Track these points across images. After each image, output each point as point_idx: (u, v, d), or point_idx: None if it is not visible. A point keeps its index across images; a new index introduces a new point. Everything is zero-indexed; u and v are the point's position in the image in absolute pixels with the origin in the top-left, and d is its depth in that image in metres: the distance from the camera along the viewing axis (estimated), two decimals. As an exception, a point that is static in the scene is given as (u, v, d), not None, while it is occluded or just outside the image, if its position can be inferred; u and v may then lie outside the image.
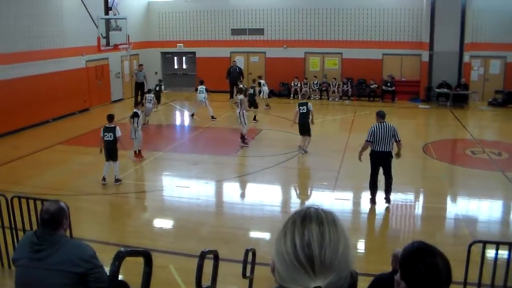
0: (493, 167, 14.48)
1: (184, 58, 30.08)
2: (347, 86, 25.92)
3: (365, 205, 12.02)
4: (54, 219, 3.71)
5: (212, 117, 21.21)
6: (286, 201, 12.48)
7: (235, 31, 27.93)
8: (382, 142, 10.95)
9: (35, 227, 6.73)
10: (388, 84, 25.14)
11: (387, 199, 11.39)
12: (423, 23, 24.76)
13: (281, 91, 26.89)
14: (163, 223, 11.22)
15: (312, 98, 26.18)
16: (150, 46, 29.15)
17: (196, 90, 22.25)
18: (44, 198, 6.99)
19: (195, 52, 28.92)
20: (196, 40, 28.69)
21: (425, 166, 15.20)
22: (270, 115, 21.35)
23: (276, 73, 26.16)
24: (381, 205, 11.54)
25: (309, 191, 12.93)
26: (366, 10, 25.71)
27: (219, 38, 28.26)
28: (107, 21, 22.79)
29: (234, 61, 27.02)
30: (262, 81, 23.79)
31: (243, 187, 13.44)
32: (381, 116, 11.28)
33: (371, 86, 25.59)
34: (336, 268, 1.37)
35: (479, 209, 11.79)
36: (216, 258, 5.44)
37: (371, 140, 10.99)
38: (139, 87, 24.74)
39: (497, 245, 6.58)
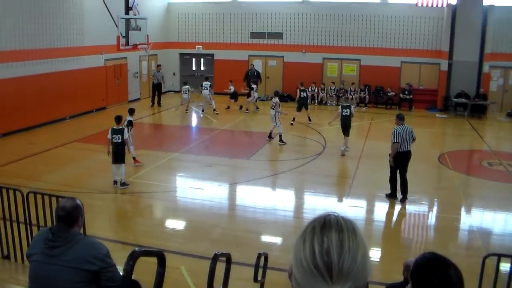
0: (509, 179, 14.33)
1: (202, 60, 30.18)
2: (364, 93, 25.82)
3: (378, 213, 12.00)
4: (70, 216, 3.74)
5: (214, 110, 22.63)
6: (299, 206, 12.45)
7: (254, 35, 27.96)
8: (405, 142, 11.60)
9: (49, 223, 6.78)
10: (406, 92, 25.00)
11: (405, 197, 11.89)
12: (443, 32, 24.61)
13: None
14: (175, 224, 11.25)
15: (329, 104, 26.16)
16: (168, 47, 29.28)
17: (201, 86, 22.91)
18: (59, 195, 7.04)
19: (213, 54, 28.98)
20: (214, 42, 28.77)
21: (441, 176, 15.09)
22: (287, 120, 21.29)
23: (293, 78, 26.10)
24: (395, 212, 11.49)
25: (322, 197, 12.87)
26: (385, 17, 25.61)
27: (237, 41, 28.31)
28: (127, 21, 22.95)
29: (252, 65, 27.03)
30: (255, 86, 23.79)
31: (256, 190, 13.43)
32: (401, 118, 11.94)
33: (389, 94, 25.47)
34: (353, 276, 1.37)
35: (494, 221, 11.68)
36: (229, 261, 5.44)
37: (398, 141, 11.51)
38: (157, 88, 24.89)
39: (512, 259, 6.49)
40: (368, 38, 26.07)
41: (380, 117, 22.89)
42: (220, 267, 5.24)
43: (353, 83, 25.84)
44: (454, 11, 23.93)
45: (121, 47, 22.77)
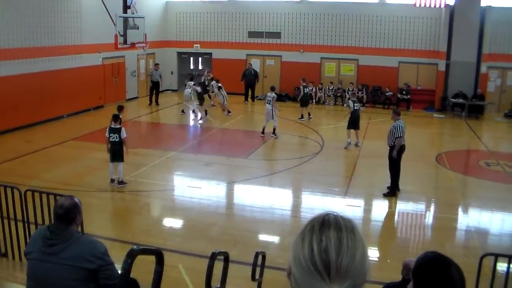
0: (507, 179, 14.36)
1: (200, 58, 30.17)
2: (362, 93, 25.84)
3: (376, 213, 12.02)
4: (68, 215, 3.74)
5: (193, 111, 22.50)
6: (296, 206, 12.46)
7: (252, 34, 27.95)
8: (404, 136, 12.14)
9: (47, 221, 6.77)
10: (404, 92, 25.03)
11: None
12: (441, 32, 24.63)
13: (296, 96, 26.77)
14: (173, 223, 11.26)
15: (326, 103, 26.18)
16: (166, 46, 29.27)
17: (185, 85, 22.80)
18: (57, 193, 7.03)
19: (211, 53, 28.97)
20: (212, 41, 28.76)
21: (438, 176, 15.10)
22: (285, 119, 21.29)
23: (291, 77, 26.06)
24: (393, 212, 11.52)
25: (320, 197, 12.88)
26: (383, 17, 25.63)
27: (235, 40, 28.30)
28: (125, 20, 22.88)
29: (250, 64, 27.05)
30: (219, 84, 23.75)
31: (254, 189, 13.44)
32: (398, 113, 12.48)
33: (386, 94, 25.50)
34: (352, 275, 1.37)
35: (491, 221, 11.71)
36: (227, 259, 5.44)
37: (402, 135, 11.98)
38: (155, 86, 24.90)
39: (510, 258, 6.51)
40: (366, 38, 26.09)
41: (378, 116, 22.91)
42: (218, 266, 5.24)
43: (351, 83, 25.84)
44: (452, 11, 23.96)
45: (119, 46, 22.67)
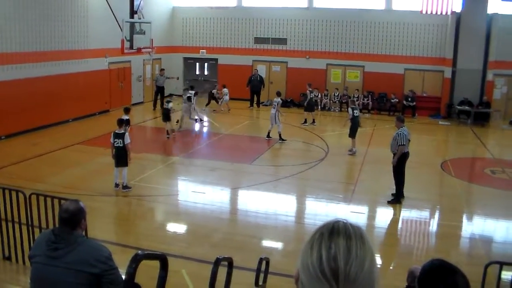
0: (512, 187, 14.31)
1: (206, 64, 30.22)
2: (367, 99, 25.82)
3: (380, 219, 12.00)
4: (73, 219, 3.74)
5: (196, 120, 21.74)
6: (300, 212, 12.44)
7: (258, 40, 28.00)
8: (408, 144, 12.12)
9: (51, 225, 6.79)
10: (409, 99, 25.00)
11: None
12: (447, 40, 24.61)
13: (301, 102, 26.71)
14: (177, 228, 11.25)
15: (332, 110, 26.17)
16: (172, 51, 29.36)
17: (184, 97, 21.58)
18: (61, 197, 7.06)
19: (217, 58, 29.03)
20: (218, 47, 28.82)
21: (443, 183, 15.06)
22: (289, 124, 21.32)
23: (297, 84, 26.06)
24: (397, 219, 11.49)
25: (324, 203, 12.86)
26: (389, 24, 25.63)
27: (241, 46, 28.35)
28: (132, 25, 23.00)
29: (256, 70, 27.09)
30: (226, 90, 23.87)
31: (258, 195, 13.42)
32: (402, 120, 12.49)
33: (392, 101, 25.47)
34: (360, 283, 1.37)
35: (496, 229, 11.65)
36: (231, 265, 5.44)
37: (405, 143, 11.95)
38: (159, 91, 24.98)
39: (514, 267, 6.47)
40: (372, 44, 26.09)
41: (383, 123, 22.88)
42: (221, 271, 5.23)
43: (356, 90, 25.83)
44: (458, 18, 23.95)
45: (125, 51, 22.80)
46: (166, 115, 18.73)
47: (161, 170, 15.24)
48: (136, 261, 3.01)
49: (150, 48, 24.11)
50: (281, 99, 19.25)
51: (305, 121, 22.08)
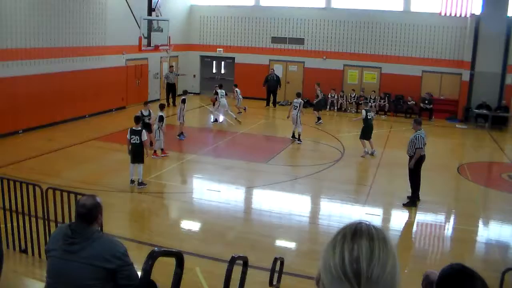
0: (530, 193, 14.13)
1: (223, 63, 30.26)
2: (384, 101, 25.67)
3: (395, 222, 11.93)
4: (90, 214, 3.76)
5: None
6: (315, 213, 12.39)
7: (275, 39, 27.97)
8: (424, 147, 12.05)
9: (67, 219, 6.83)
10: (426, 102, 24.81)
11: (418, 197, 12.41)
12: (465, 42, 24.37)
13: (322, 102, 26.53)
14: (191, 225, 11.28)
15: (348, 111, 26.07)
16: (190, 49, 29.44)
17: (216, 93, 21.97)
18: (77, 192, 7.10)
19: (234, 57, 29.06)
20: (236, 46, 28.83)
21: (459, 187, 14.93)
22: (304, 125, 21.30)
23: (314, 84, 26.01)
24: (412, 222, 11.41)
25: (339, 204, 12.81)
26: (407, 26, 25.45)
27: (259, 45, 28.34)
28: (149, 22, 23.07)
29: (272, 69, 27.06)
30: (238, 90, 23.75)
31: (273, 195, 13.39)
32: (420, 123, 12.33)
33: (409, 103, 25.30)
34: (382, 286, 1.36)
35: (513, 235, 11.52)
36: (246, 264, 5.42)
37: (422, 146, 11.88)
38: (170, 89, 25.13)
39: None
40: (389, 46, 25.94)
41: (399, 125, 22.73)
42: (235, 270, 5.22)
43: (373, 91, 25.71)
44: (477, 21, 23.71)
45: (143, 48, 22.89)
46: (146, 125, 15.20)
47: (177, 167, 15.28)
48: (152, 258, 3.01)
49: (167, 45, 24.18)
50: (302, 99, 19.25)
51: (318, 119, 22.51)
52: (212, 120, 22.19)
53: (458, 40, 24.88)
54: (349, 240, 1.41)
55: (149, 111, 15.79)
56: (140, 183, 12.77)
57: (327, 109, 26.04)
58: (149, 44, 23.07)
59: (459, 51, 24.82)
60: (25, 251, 7.71)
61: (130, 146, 12.73)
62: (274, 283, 6.51)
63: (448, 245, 10.87)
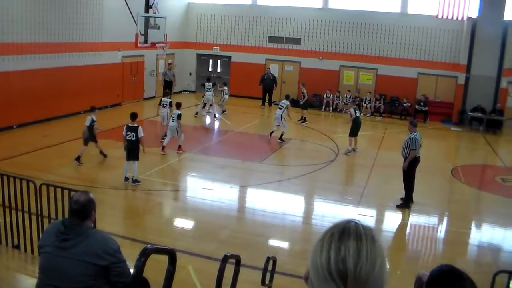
0: (522, 196, 14.19)
1: (219, 61, 30.24)
2: (379, 103, 25.72)
3: (388, 224, 11.96)
4: (83, 210, 3.76)
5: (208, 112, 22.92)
6: (308, 213, 12.41)
7: (272, 39, 27.98)
8: (419, 149, 12.03)
9: (60, 215, 6.82)
10: (421, 104, 24.88)
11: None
12: (461, 45, 24.46)
13: (313, 102, 26.58)
14: (184, 223, 11.29)
15: (344, 111, 26.08)
16: (186, 47, 29.41)
17: (205, 87, 22.85)
18: (71, 188, 7.08)
19: (230, 56, 29.05)
20: (232, 44, 28.81)
21: (452, 189, 14.98)
22: (300, 125, 21.35)
23: (309, 84, 25.99)
24: (405, 223, 11.45)
25: (333, 205, 12.83)
26: (404, 28, 25.51)
27: (255, 44, 28.33)
28: (146, 19, 23.04)
29: (268, 69, 27.07)
30: (226, 88, 23.73)
31: (267, 194, 13.40)
32: (415, 125, 12.35)
33: (404, 104, 25.35)
34: (370, 285, 1.36)
35: (505, 237, 11.56)
36: (238, 263, 5.43)
37: (416, 148, 11.86)
38: (168, 86, 25.11)
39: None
40: (386, 48, 25.98)
41: (394, 127, 22.78)
42: (227, 269, 5.23)
43: (369, 92, 25.75)
44: (474, 24, 23.78)
45: (139, 45, 22.86)
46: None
47: (171, 165, 15.27)
48: (145, 255, 3.01)
49: (164, 43, 24.16)
50: (289, 101, 19.29)
51: (305, 119, 22.70)
52: (195, 114, 22.64)
53: (454, 43, 24.96)
54: (336, 239, 1.42)
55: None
56: (135, 181, 12.75)
57: (323, 109, 26.10)
58: (145, 41, 23.03)
59: (455, 54, 24.90)
60: (17, 247, 7.69)
61: (125, 143, 12.71)
62: (266, 282, 6.51)
63: (441, 247, 10.91)
